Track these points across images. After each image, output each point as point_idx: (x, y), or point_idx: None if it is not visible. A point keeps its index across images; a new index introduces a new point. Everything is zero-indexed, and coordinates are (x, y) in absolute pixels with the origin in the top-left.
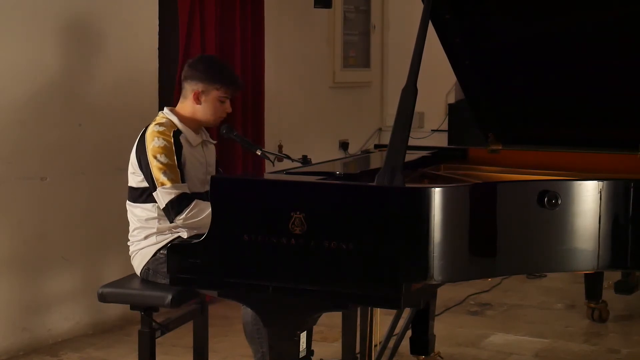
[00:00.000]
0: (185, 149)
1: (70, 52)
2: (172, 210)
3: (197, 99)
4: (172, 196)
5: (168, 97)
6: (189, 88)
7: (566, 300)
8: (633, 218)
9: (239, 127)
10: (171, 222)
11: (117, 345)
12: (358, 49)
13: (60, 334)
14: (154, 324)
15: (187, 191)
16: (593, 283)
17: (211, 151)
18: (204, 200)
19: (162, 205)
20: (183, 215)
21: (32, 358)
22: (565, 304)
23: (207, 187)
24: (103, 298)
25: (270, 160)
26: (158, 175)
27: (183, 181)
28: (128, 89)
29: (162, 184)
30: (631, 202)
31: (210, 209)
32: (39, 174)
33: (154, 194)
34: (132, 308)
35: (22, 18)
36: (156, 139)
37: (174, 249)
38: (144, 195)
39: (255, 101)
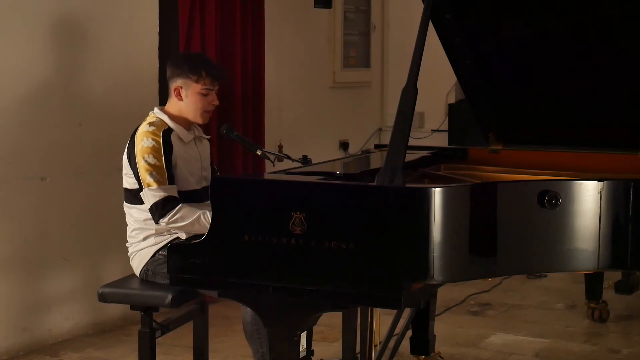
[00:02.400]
0: (178, 148)
1: (70, 52)
2: (156, 212)
3: (178, 95)
4: (157, 198)
5: (168, 97)
6: (171, 86)
7: (566, 300)
8: (633, 218)
9: (239, 127)
10: (156, 223)
11: (117, 345)
12: (358, 49)
13: (61, 334)
14: (154, 324)
15: (174, 194)
16: (593, 283)
17: (205, 146)
18: (202, 197)
19: (148, 206)
20: (166, 219)
21: (33, 358)
22: (565, 304)
23: (204, 184)
24: (103, 298)
25: (271, 160)
26: (145, 176)
27: (172, 183)
28: (128, 89)
29: (149, 185)
30: (631, 202)
31: (196, 216)
32: (39, 174)
33: (141, 194)
34: (132, 308)
35: (22, 18)
36: (145, 139)
37: (174, 249)
38: (138, 196)
39: (255, 101)
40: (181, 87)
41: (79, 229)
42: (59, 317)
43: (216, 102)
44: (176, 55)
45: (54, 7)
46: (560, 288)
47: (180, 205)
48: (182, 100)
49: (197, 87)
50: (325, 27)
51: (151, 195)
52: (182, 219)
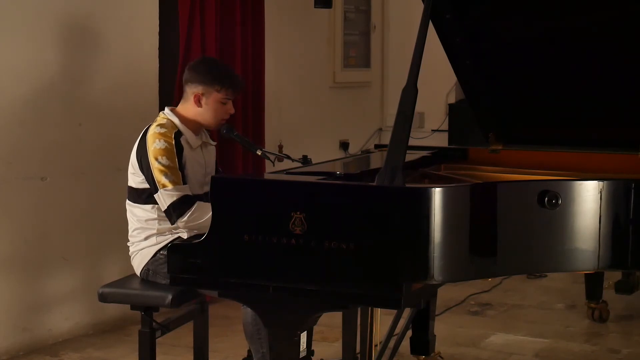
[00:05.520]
0: (186, 151)
1: (70, 52)
2: (174, 212)
3: (197, 102)
4: (174, 198)
5: (168, 97)
6: (190, 91)
7: (566, 300)
8: (633, 218)
9: (240, 127)
10: (173, 224)
11: (117, 345)
12: (358, 49)
13: (61, 334)
14: (154, 324)
15: (189, 193)
16: (593, 283)
17: (210, 152)
18: (204, 201)
19: (164, 207)
20: (185, 218)
21: (33, 358)
22: (565, 304)
23: (206, 189)
24: (103, 298)
25: (271, 160)
26: (159, 177)
27: (184, 183)
28: (128, 89)
29: (164, 186)
30: (631, 202)
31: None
32: (39, 174)
33: (155, 195)
34: (132, 308)
35: (23, 18)
36: (157, 140)
37: (175, 249)
38: (143, 196)
39: (255, 101)
40: (202, 94)
41: (79, 229)
42: (59, 317)
43: (232, 111)
44: (198, 61)
45: (55, 7)
46: (560, 288)
47: (196, 203)
48: (201, 106)
49: (219, 97)
50: (325, 27)
51: (167, 196)
52: (202, 214)
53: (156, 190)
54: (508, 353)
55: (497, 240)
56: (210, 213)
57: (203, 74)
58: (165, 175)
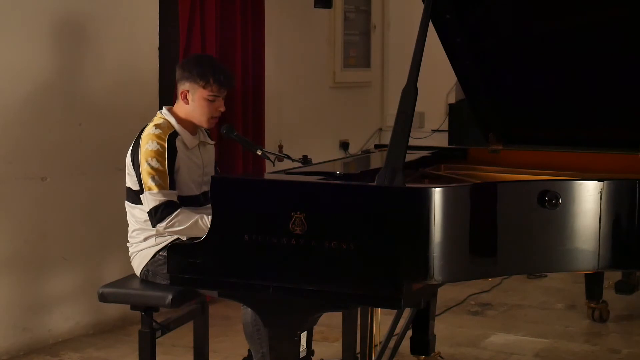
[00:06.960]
0: (181, 153)
1: (70, 52)
2: (155, 216)
3: (185, 99)
4: (157, 202)
5: (168, 97)
6: (179, 88)
7: (566, 300)
8: (633, 218)
9: (240, 127)
10: (153, 227)
11: (117, 345)
12: (358, 49)
13: (61, 334)
14: (154, 324)
15: (174, 199)
16: (593, 283)
17: (209, 152)
18: (201, 201)
19: (147, 209)
20: (164, 224)
21: (33, 358)
22: (565, 304)
23: (204, 189)
24: (103, 298)
25: (271, 160)
26: (146, 179)
27: (172, 188)
28: (128, 89)
29: (149, 189)
30: (632, 202)
31: (193, 221)
32: (39, 174)
33: (141, 196)
34: (132, 308)
35: (22, 18)
36: (151, 142)
37: (174, 249)
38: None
39: (255, 101)
40: (188, 91)
41: (79, 229)
42: (59, 317)
43: (222, 109)
44: (188, 58)
45: (54, 6)
46: (560, 288)
47: (178, 210)
48: (189, 104)
49: (204, 93)
50: (325, 27)
51: (151, 199)
52: (179, 223)
53: (142, 192)
54: (508, 353)
55: (497, 240)
56: (192, 222)
57: (189, 70)
58: (152, 178)
